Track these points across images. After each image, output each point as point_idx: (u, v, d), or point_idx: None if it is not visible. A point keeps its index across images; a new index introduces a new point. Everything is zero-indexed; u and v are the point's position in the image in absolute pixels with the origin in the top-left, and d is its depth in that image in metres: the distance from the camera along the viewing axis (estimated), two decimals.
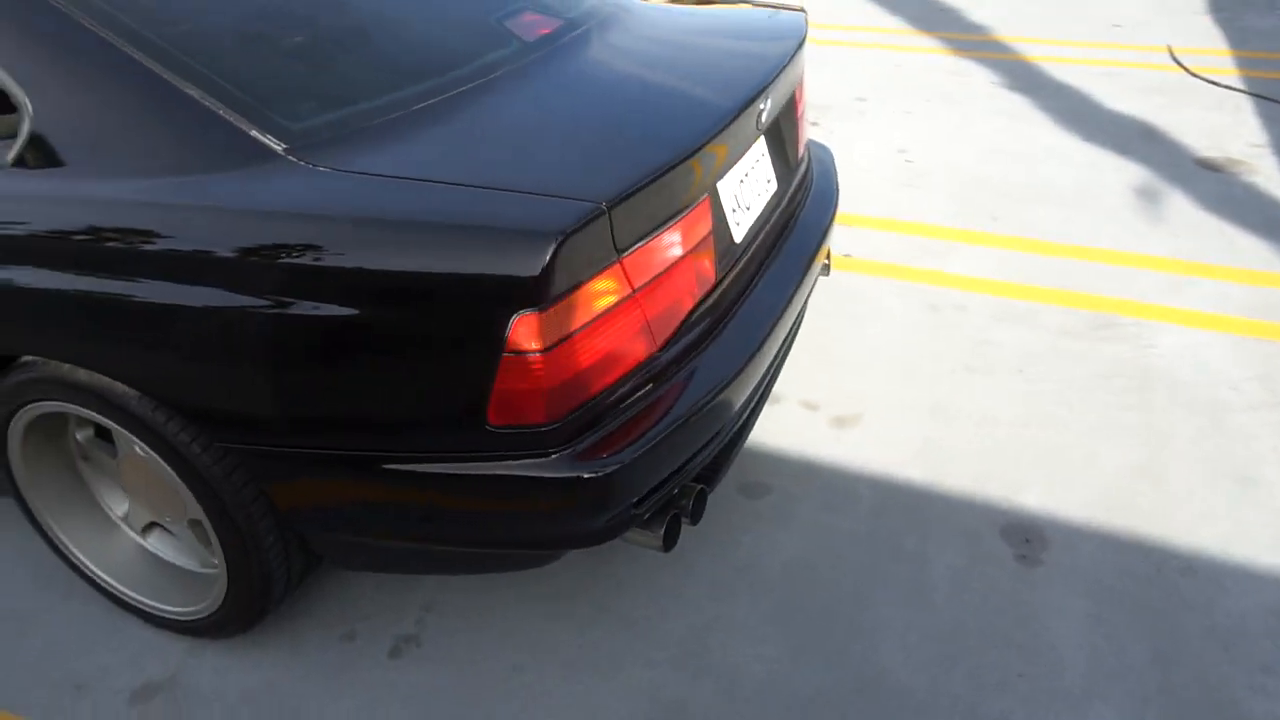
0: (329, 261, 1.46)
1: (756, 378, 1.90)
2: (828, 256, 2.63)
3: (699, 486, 1.82)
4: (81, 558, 2.01)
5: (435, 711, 1.83)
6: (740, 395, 1.84)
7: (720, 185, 1.86)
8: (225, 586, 1.84)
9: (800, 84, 2.32)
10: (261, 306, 1.50)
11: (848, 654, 1.93)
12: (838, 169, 4.05)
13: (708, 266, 1.79)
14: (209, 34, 1.72)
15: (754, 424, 2.12)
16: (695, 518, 1.82)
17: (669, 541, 1.75)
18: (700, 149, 1.67)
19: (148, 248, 1.55)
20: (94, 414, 1.72)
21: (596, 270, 1.49)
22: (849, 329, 2.97)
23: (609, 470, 1.56)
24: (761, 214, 2.07)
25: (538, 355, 1.45)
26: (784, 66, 2.05)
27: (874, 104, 4.76)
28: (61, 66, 1.63)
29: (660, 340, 1.68)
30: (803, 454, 2.47)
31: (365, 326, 1.48)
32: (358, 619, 2.03)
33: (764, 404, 2.16)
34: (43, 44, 1.64)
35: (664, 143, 1.65)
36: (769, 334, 1.91)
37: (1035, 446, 2.45)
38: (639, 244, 1.57)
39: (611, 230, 1.49)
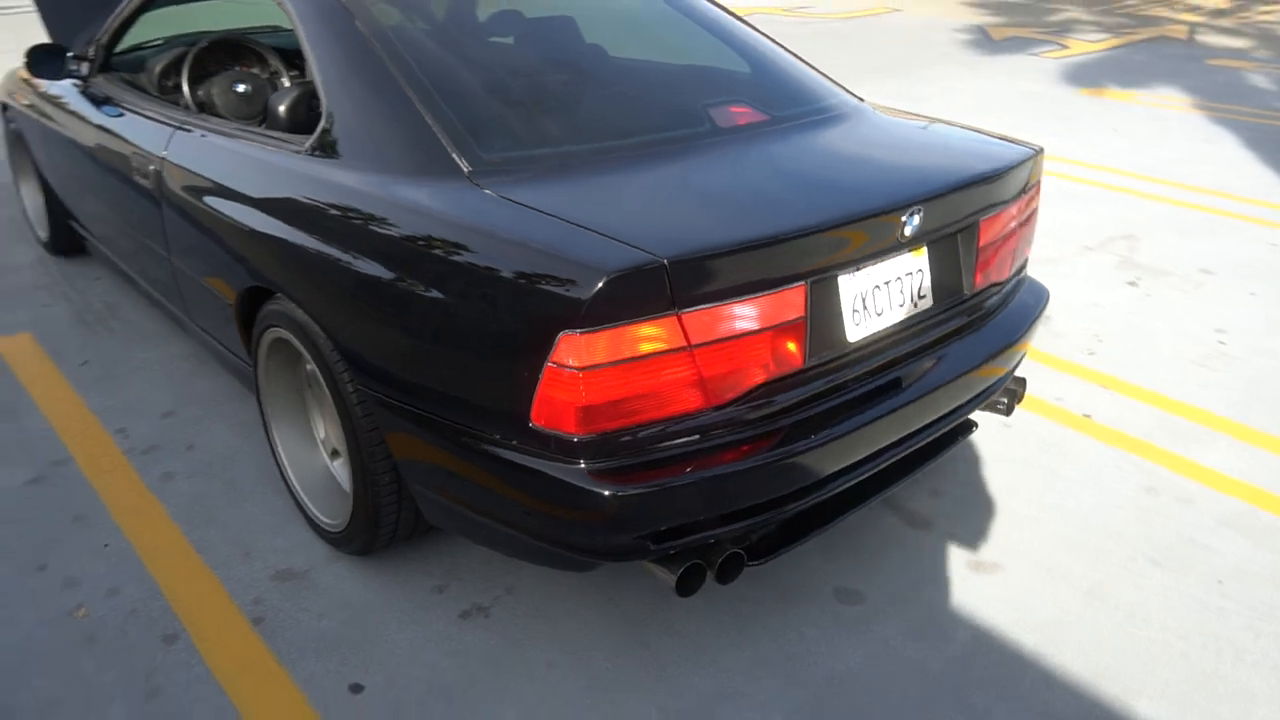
0: (454, 259, 1.81)
1: (822, 471, 1.95)
2: (1009, 396, 2.55)
3: (736, 550, 1.91)
4: (285, 461, 2.54)
5: (466, 669, 2.09)
6: (794, 481, 1.91)
7: (841, 280, 1.96)
8: (350, 511, 2.26)
9: (998, 216, 2.31)
10: (405, 283, 1.90)
11: None
12: (1074, 318, 3.76)
13: (793, 350, 1.90)
14: (455, 77, 2.19)
15: (833, 521, 2.14)
16: (722, 577, 1.92)
17: (683, 586, 1.87)
18: (792, 239, 1.80)
19: (355, 224, 2.02)
20: (300, 346, 2.23)
21: (648, 316, 1.69)
22: (1038, 482, 2.79)
23: (621, 495, 1.73)
24: (900, 324, 2.11)
25: (575, 371, 1.68)
26: (949, 189, 2.09)
27: (1220, 278, 4.31)
28: (353, 88, 2.18)
29: (716, 399, 1.82)
30: (918, 579, 2.40)
31: (464, 315, 1.81)
32: (453, 579, 2.35)
33: (850, 509, 2.17)
34: (349, 70, 2.20)
35: (757, 224, 1.81)
36: (848, 435, 1.95)
37: (1185, 664, 2.16)
38: (703, 305, 1.74)
39: (669, 284, 1.68)
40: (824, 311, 1.95)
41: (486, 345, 1.79)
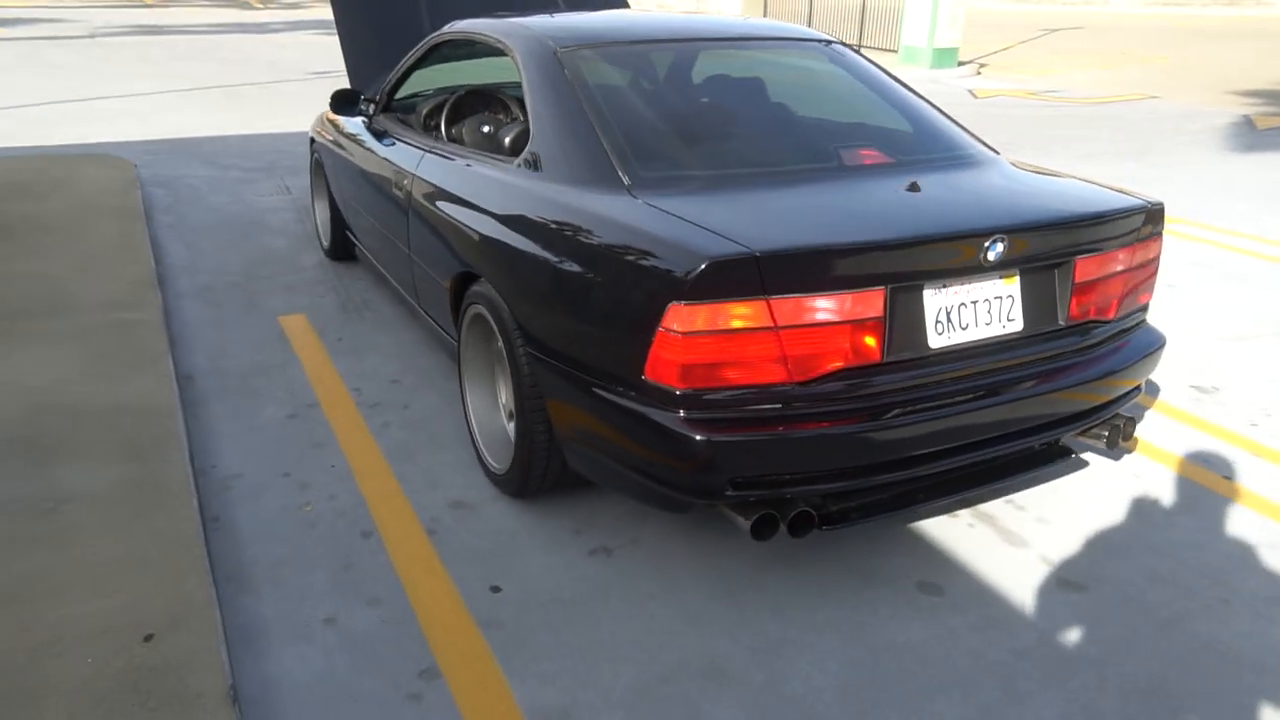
0: (602, 247, 2.32)
1: (891, 454, 2.26)
2: (1112, 430, 2.70)
3: (806, 509, 2.26)
4: (472, 419, 3.13)
5: (582, 590, 2.53)
6: (863, 457, 2.23)
7: (926, 293, 2.28)
8: (510, 458, 2.79)
9: (1098, 258, 2.51)
10: (564, 264, 2.42)
11: None
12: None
13: (871, 345, 2.24)
14: (633, 115, 2.73)
15: (906, 508, 2.42)
16: (794, 530, 2.27)
17: (756, 530, 2.23)
18: (871, 248, 2.16)
19: (535, 219, 2.58)
20: (490, 319, 2.81)
21: (741, 297, 2.10)
22: (1150, 521, 2.88)
23: (708, 441, 2.14)
24: (985, 340, 2.39)
25: (678, 335, 2.12)
26: (1035, 224, 2.36)
27: None
28: (553, 119, 2.76)
29: (799, 376, 2.19)
30: (1000, 586, 2.60)
31: (605, 290, 2.30)
32: (590, 526, 2.82)
33: (924, 502, 2.45)
34: (552, 105, 2.79)
35: (844, 233, 2.19)
36: (919, 426, 2.25)
37: (1247, 692, 2.23)
38: (790, 294, 2.13)
39: (760, 273, 2.09)
40: (906, 317, 2.28)
41: (620, 314, 2.26)
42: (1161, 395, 3.80)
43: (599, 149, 2.60)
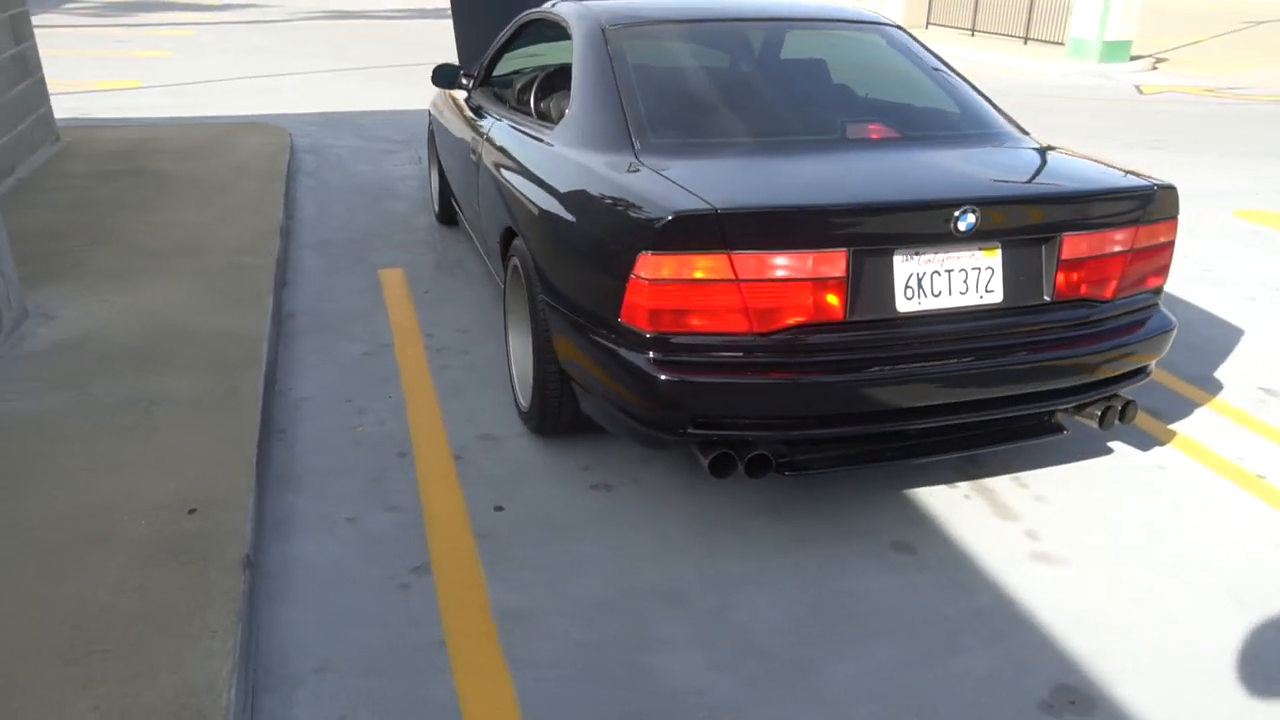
0: (598, 201, 2.56)
1: (848, 408, 2.39)
2: (1107, 411, 2.72)
3: (762, 452, 2.43)
4: (511, 359, 3.43)
5: (576, 517, 2.79)
6: (818, 407, 2.38)
7: (896, 259, 2.40)
8: (530, 397, 3.07)
9: (1089, 235, 2.54)
10: (569, 216, 2.68)
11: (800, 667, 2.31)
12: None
13: (834, 303, 2.38)
14: (659, 87, 2.94)
15: (870, 463, 2.55)
16: (750, 470, 2.44)
17: (714, 467, 2.42)
18: (830, 213, 2.31)
19: (554, 177, 2.85)
20: (521, 270, 3.09)
21: (703, 249, 2.29)
22: (1159, 509, 2.86)
23: (672, 381, 2.36)
24: (959, 309, 2.47)
25: (646, 282, 2.34)
26: (1012, 198, 2.43)
27: None
28: (587, 88, 3.01)
29: (759, 327, 2.36)
30: (975, 552, 2.68)
31: (596, 240, 2.54)
32: (598, 464, 3.07)
33: (891, 459, 2.57)
34: (589, 76, 3.03)
35: (810, 196, 2.34)
36: (878, 384, 2.38)
37: (1195, 672, 2.25)
38: (751, 250, 2.30)
39: (721, 228, 2.28)
40: (873, 280, 2.40)
41: (604, 262, 2.50)
42: (1223, 393, 3.68)
43: (619, 116, 2.83)
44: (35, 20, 14.04)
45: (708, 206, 2.28)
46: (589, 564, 2.60)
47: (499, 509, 2.84)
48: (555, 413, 3.01)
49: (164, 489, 2.63)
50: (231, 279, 4.16)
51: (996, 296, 2.52)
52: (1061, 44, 14.62)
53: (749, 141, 2.77)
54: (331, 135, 7.88)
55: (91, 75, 10.10)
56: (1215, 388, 3.74)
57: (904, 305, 2.44)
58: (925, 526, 2.80)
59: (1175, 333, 2.79)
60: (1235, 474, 3.11)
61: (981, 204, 2.40)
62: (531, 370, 3.24)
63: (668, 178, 2.48)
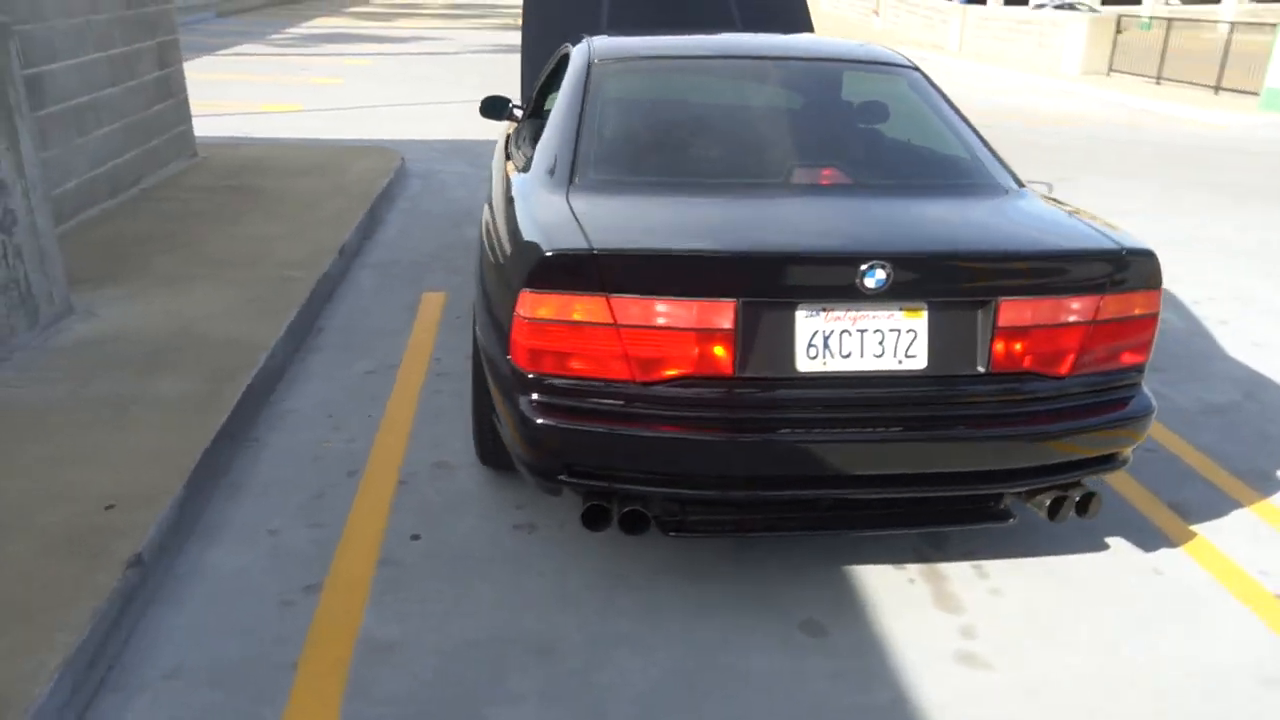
0: (513, 234, 2.50)
1: (730, 470, 2.23)
2: (1059, 502, 2.43)
3: (636, 509, 2.30)
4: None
5: (491, 553, 2.73)
6: (697, 467, 2.23)
7: (799, 314, 2.22)
8: (472, 426, 3.04)
9: (1036, 301, 2.27)
10: (487, 249, 2.65)
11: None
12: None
13: (721, 356, 2.23)
14: (621, 125, 2.88)
15: (761, 532, 2.37)
16: (624, 527, 2.32)
17: (586, 518, 2.32)
18: (713, 261, 2.17)
19: (498, 212, 2.83)
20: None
21: (581, 291, 2.20)
22: (1132, 622, 2.50)
23: (546, 425, 2.27)
24: (873, 374, 2.26)
25: (525, 321, 2.27)
26: (923, 254, 2.21)
27: None
28: (558, 120, 2.96)
29: (641, 376, 2.25)
30: (897, 646, 2.42)
31: (496, 272, 2.50)
32: (534, 503, 2.99)
33: (790, 530, 2.38)
34: (563, 110, 3.00)
35: (695, 240, 2.21)
36: (768, 448, 2.20)
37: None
38: (631, 294, 2.19)
39: (598, 270, 2.18)
40: (768, 334, 2.23)
41: (502, 297, 2.44)
42: (1256, 481, 3.20)
43: (572, 151, 2.78)
44: (239, 49, 15.15)
45: (585, 246, 2.19)
46: (476, 604, 2.54)
47: (415, 537, 2.82)
48: (490, 446, 2.97)
49: (100, 483, 2.77)
50: (272, 290, 4.37)
51: (919, 363, 2.29)
52: (1257, 94, 13.38)
53: (689, 183, 2.65)
54: (446, 162, 8.20)
55: (263, 98, 10.98)
56: (1273, 488, 3.25)
57: (805, 365, 2.25)
58: (850, 608, 2.57)
59: (1153, 417, 2.44)
60: (1247, 589, 2.69)
61: (894, 260, 2.19)
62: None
63: (574, 214, 2.41)
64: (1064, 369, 2.35)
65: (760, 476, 2.27)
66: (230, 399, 3.32)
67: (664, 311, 2.21)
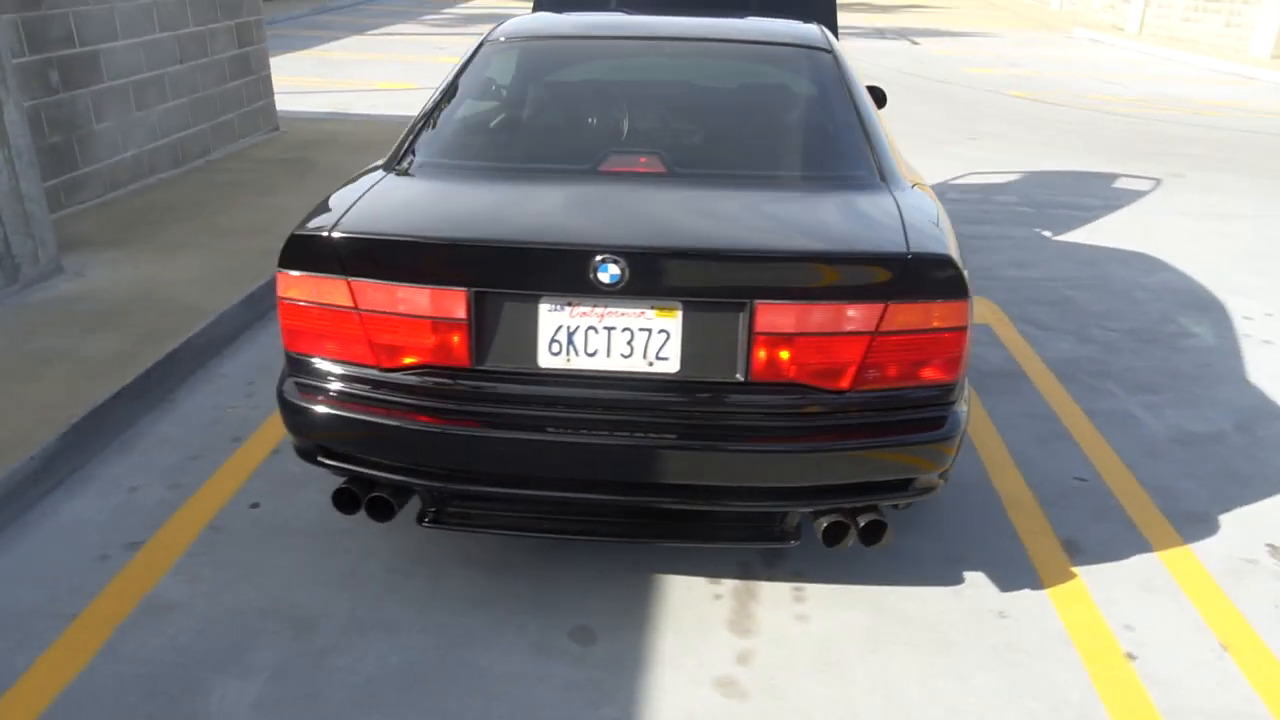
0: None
1: (465, 463, 2.16)
2: (838, 528, 2.24)
3: (379, 495, 2.28)
4: None
5: (301, 525, 2.78)
6: (431, 458, 2.18)
7: (542, 308, 2.13)
8: None
9: (800, 307, 2.07)
10: None
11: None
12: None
13: (458, 346, 2.16)
14: (488, 100, 2.83)
15: (534, 532, 2.28)
16: (371, 513, 2.31)
17: (335, 499, 2.31)
18: (446, 247, 2.10)
19: None
20: None
21: (325, 273, 2.19)
22: (906, 652, 2.26)
23: (296, 405, 2.28)
24: (618, 376, 2.14)
25: (281, 299, 2.27)
26: (670, 249, 2.05)
27: None
28: (441, 102, 2.93)
29: (384, 362, 2.21)
30: (666, 663, 2.30)
31: None
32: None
33: (544, 532, 2.28)
34: (445, 91, 2.98)
35: (430, 227, 2.14)
36: (506, 444, 2.12)
37: None
38: (370, 278, 2.16)
39: (338, 253, 2.16)
40: (509, 327, 2.14)
41: None
42: (1207, 542, 2.79)
43: (413, 133, 2.75)
44: (389, 29, 15.78)
45: (323, 230, 2.17)
46: (268, 576, 2.58)
47: (254, 506, 2.90)
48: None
49: None
50: (253, 261, 4.58)
51: (671, 366, 2.14)
52: None
53: (503, 169, 2.56)
54: None
55: (382, 76, 11.46)
56: (1206, 533, 2.84)
57: (548, 361, 2.15)
58: (633, 620, 2.44)
59: (956, 441, 2.18)
60: (1095, 645, 2.37)
61: (626, 255, 2.04)
62: None
63: (359, 196, 2.38)
64: (843, 383, 2.13)
65: (501, 474, 2.19)
66: (147, 361, 3.51)
67: (401, 298, 2.16)
